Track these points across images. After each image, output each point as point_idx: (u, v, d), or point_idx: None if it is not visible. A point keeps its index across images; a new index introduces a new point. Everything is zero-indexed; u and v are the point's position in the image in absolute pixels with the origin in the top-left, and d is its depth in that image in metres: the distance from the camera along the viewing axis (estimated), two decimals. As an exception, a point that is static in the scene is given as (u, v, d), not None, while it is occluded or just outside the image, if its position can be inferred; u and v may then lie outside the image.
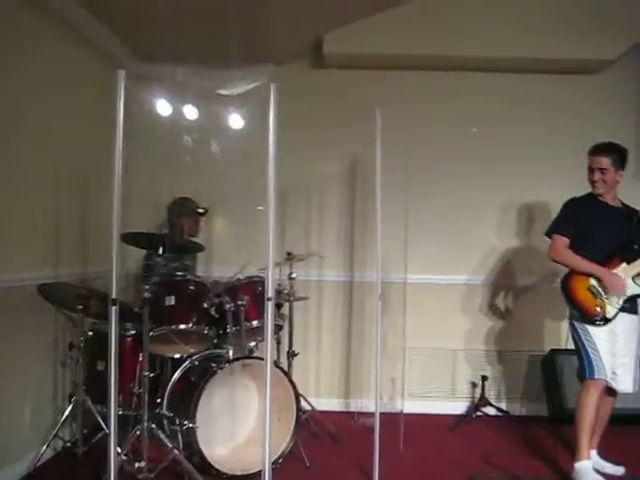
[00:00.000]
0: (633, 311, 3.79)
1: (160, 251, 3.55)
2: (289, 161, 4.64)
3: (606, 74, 5.24)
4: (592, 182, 3.84)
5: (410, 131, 5.00)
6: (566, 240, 3.82)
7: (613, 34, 4.97)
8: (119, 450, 3.19)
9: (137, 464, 3.36)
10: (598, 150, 3.81)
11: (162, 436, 3.48)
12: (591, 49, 4.96)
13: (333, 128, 5.16)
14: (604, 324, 3.70)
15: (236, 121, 4.62)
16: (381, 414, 3.63)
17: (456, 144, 5.22)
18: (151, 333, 3.56)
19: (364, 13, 4.94)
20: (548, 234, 3.94)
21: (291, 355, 4.53)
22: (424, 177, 5.15)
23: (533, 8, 4.93)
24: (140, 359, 3.58)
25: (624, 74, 5.27)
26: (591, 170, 3.84)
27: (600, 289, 3.72)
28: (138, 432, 3.42)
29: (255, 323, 3.96)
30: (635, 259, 3.75)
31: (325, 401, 5.14)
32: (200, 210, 4.09)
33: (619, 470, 3.84)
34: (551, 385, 4.95)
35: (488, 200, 5.24)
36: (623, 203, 3.92)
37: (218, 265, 5.00)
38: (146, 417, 3.43)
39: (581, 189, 3.91)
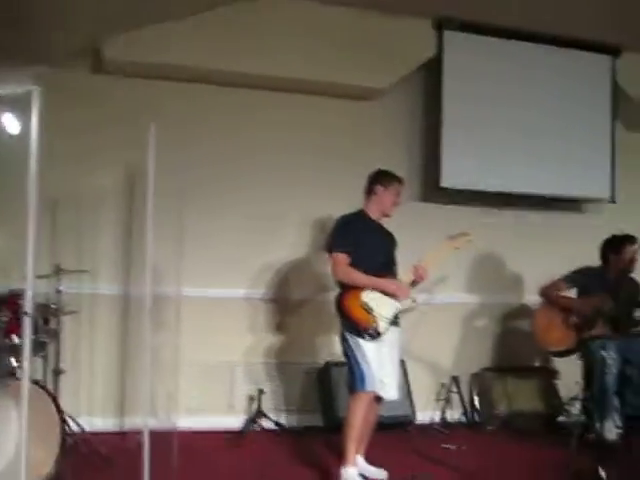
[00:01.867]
0: (396, 324, 4.04)
1: None
2: (63, 169, 4.41)
3: (381, 101, 5.58)
4: (394, 206, 4.10)
5: (191, 143, 4.98)
6: (347, 258, 3.92)
7: (387, 65, 5.33)
8: None
9: None
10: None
11: None
12: (365, 77, 5.28)
13: (111, 137, 4.95)
14: (376, 338, 3.87)
15: (10, 124, 4.28)
16: (155, 431, 3.54)
17: (235, 160, 5.27)
18: None
19: (153, 19, 4.75)
20: (329, 251, 4.01)
21: (57, 372, 4.26)
22: (202, 191, 5.12)
23: (320, 36, 5.16)
24: None
25: (398, 100, 5.66)
26: (398, 195, 4.09)
27: (371, 304, 3.89)
28: None
29: (16, 339, 3.67)
30: (396, 276, 4.02)
31: (99, 421, 4.87)
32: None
33: (382, 473, 4.03)
34: (326, 396, 5.13)
35: (268, 214, 5.31)
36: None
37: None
38: None
39: (350, 207, 4.12)
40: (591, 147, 5.96)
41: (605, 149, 5.99)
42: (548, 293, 5.15)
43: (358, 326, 3.86)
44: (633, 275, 5.06)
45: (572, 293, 5.20)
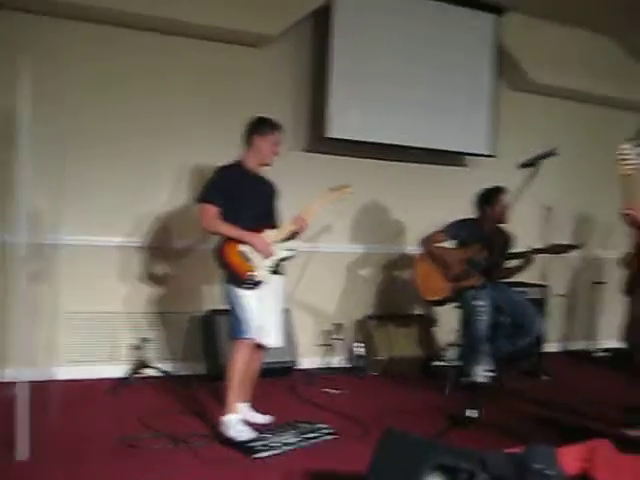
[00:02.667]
0: (278, 272, 4.07)
1: None
2: None
3: (269, 49, 5.49)
4: (273, 155, 4.05)
5: (70, 88, 4.79)
6: (216, 209, 3.89)
7: (276, 11, 5.21)
8: None
9: None
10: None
11: None
12: (254, 23, 5.15)
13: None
14: (255, 287, 3.91)
15: None
16: (35, 382, 3.47)
17: (117, 106, 5.08)
18: None
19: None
20: (199, 201, 3.97)
21: None
22: (83, 138, 4.91)
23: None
24: None
25: (286, 49, 5.58)
26: (277, 144, 4.05)
27: (249, 254, 3.90)
28: None
29: None
30: (279, 225, 4.05)
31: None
32: None
33: (267, 419, 4.12)
34: (210, 344, 5.15)
35: (148, 161, 5.16)
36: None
37: None
38: None
39: (233, 154, 4.08)
40: (474, 103, 6.13)
41: (487, 106, 6.18)
42: (427, 244, 5.35)
43: (237, 275, 3.88)
44: (506, 226, 5.31)
45: (451, 244, 5.42)
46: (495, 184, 5.25)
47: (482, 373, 5.03)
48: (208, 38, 5.24)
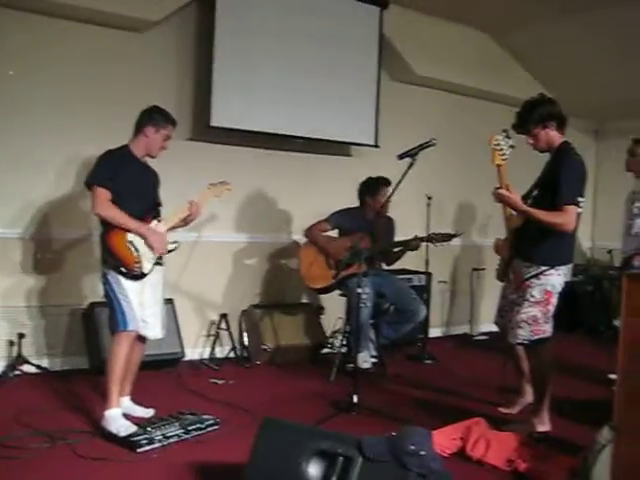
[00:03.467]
0: (160, 263, 4.01)
1: None
2: None
3: (152, 34, 5.34)
4: (161, 149, 3.98)
5: None
6: (108, 193, 3.77)
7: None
8: None
9: None
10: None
11: None
12: (137, 8, 4.99)
13: None
14: (141, 278, 3.84)
15: None
16: None
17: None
18: None
19: None
20: (88, 185, 3.84)
21: None
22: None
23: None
24: None
25: (170, 35, 5.45)
26: (167, 139, 3.98)
27: (138, 245, 3.82)
28: None
29: None
30: (160, 215, 3.99)
31: None
32: None
33: (149, 412, 4.05)
34: (91, 337, 4.99)
35: (32, 149, 4.91)
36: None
37: None
38: None
39: (116, 142, 3.96)
40: (359, 94, 6.21)
41: (372, 96, 6.27)
42: (310, 233, 5.41)
43: (123, 265, 3.78)
44: (389, 214, 5.43)
45: (335, 233, 5.51)
46: (378, 174, 5.37)
47: (367, 359, 5.15)
48: (90, 21, 5.03)
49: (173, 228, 4.06)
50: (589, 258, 8.59)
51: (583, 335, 7.26)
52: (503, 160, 3.78)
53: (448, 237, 5.13)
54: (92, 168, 3.90)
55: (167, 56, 5.48)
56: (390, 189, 5.02)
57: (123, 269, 3.78)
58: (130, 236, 3.80)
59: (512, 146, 3.80)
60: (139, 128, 3.94)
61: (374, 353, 5.28)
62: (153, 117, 3.93)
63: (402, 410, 4.41)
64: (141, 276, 3.83)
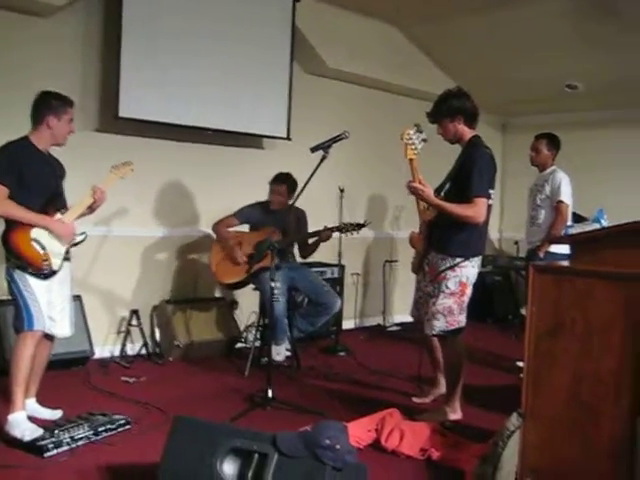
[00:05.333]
0: (68, 258, 3.86)
1: None
2: None
3: (56, 19, 5.10)
4: (68, 135, 3.83)
5: None
6: (6, 189, 3.57)
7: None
8: None
9: None
10: None
11: None
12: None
13: None
14: (51, 276, 3.69)
15: None
16: None
17: None
18: None
19: None
20: None
21: None
22: None
23: None
24: None
25: (75, 20, 5.22)
26: (71, 122, 3.82)
27: (44, 241, 3.65)
28: None
29: None
30: (65, 207, 3.83)
31: None
32: None
33: (56, 414, 3.91)
34: (-6, 337, 4.77)
35: None
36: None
37: None
38: None
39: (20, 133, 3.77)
40: (272, 86, 6.14)
41: (284, 89, 6.22)
42: (218, 229, 5.36)
43: (29, 264, 3.61)
44: (301, 207, 5.42)
45: (245, 227, 5.47)
46: (291, 167, 5.39)
47: (281, 352, 5.13)
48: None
49: (80, 217, 3.89)
50: (497, 249, 8.86)
51: (493, 324, 7.49)
52: (415, 154, 3.83)
53: (357, 226, 5.17)
54: None
55: (72, 43, 5.23)
56: (285, 186, 5.24)
57: (31, 269, 3.62)
58: (34, 233, 3.62)
59: (424, 140, 3.85)
60: (38, 119, 3.73)
61: (288, 346, 5.27)
62: (51, 105, 3.73)
63: (317, 403, 4.42)
64: (51, 274, 3.68)
